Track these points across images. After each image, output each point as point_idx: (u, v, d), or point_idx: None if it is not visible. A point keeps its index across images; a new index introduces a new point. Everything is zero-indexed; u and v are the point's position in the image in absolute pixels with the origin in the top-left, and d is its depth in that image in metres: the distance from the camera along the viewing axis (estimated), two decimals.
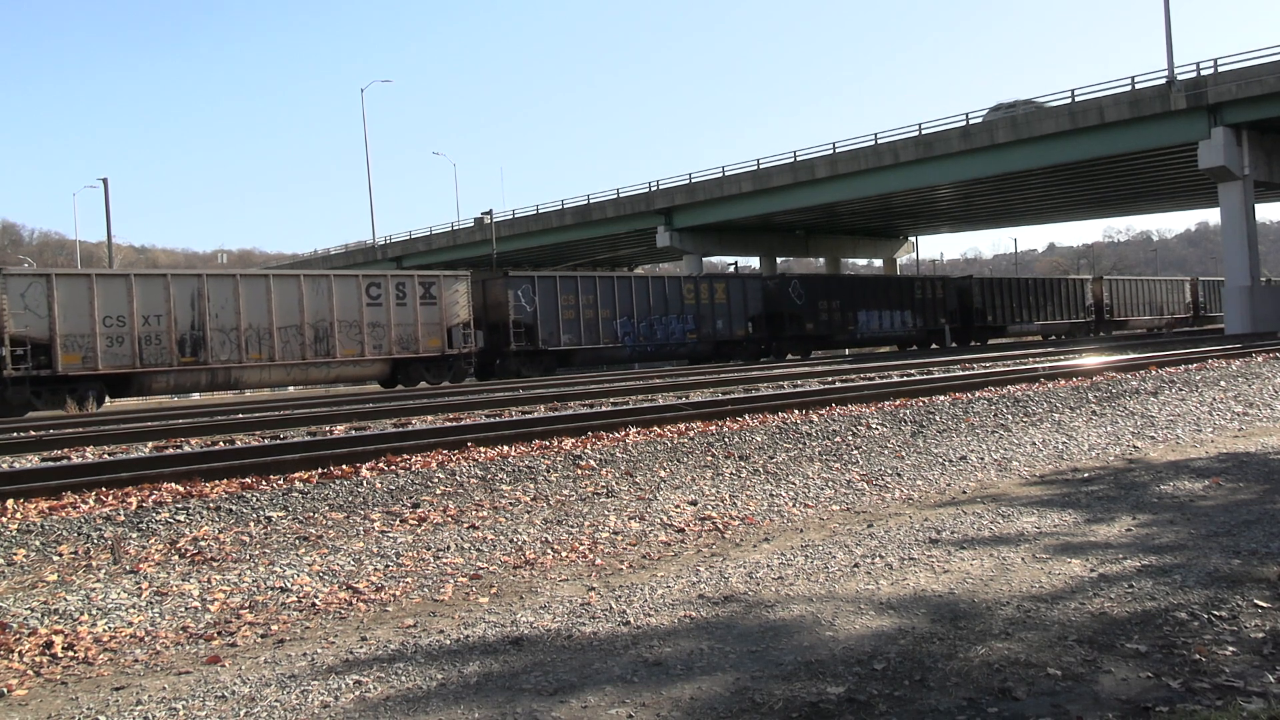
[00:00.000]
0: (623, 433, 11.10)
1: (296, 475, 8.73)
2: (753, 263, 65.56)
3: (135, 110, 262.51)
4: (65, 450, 12.27)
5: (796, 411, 12.70)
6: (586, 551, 7.08)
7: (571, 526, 7.67)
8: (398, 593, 6.16)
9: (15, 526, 6.95)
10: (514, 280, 31.94)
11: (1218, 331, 49.69)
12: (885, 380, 17.63)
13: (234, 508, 7.58)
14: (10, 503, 7.67)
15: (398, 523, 7.61)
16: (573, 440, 10.61)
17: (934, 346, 46.71)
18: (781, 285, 41.12)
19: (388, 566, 6.64)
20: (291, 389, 34.94)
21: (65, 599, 5.88)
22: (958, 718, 3.76)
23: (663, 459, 9.72)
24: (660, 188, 54.97)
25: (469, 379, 31.10)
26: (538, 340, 32.05)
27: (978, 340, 50.19)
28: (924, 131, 44.39)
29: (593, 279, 34.67)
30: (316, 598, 6.03)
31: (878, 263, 74.50)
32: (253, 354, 25.75)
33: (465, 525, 7.61)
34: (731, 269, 63.39)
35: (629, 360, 36.79)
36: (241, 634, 5.42)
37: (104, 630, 5.46)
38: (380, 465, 9.15)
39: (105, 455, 11.38)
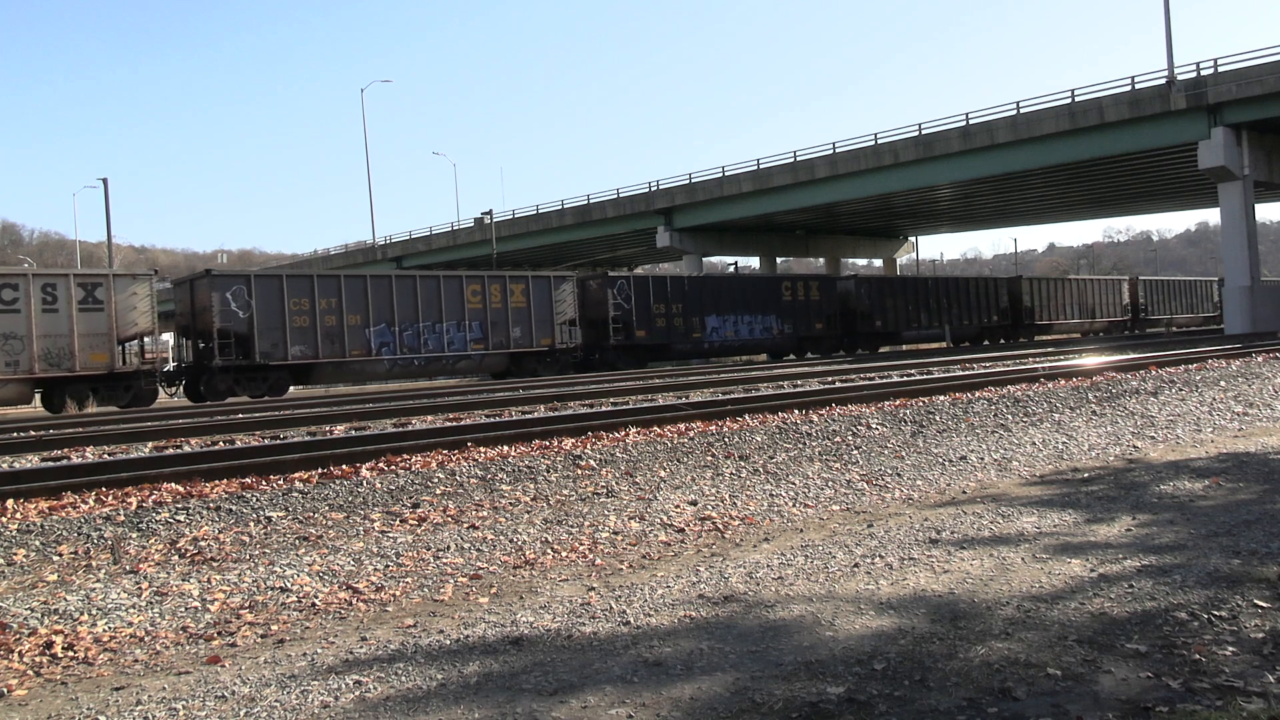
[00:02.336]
0: (622, 433, 11.10)
1: (296, 475, 8.73)
2: (753, 263, 65.55)
3: (135, 110, 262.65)
4: (65, 450, 12.27)
5: (796, 411, 12.70)
6: (586, 551, 7.08)
7: (571, 526, 7.67)
8: (398, 593, 6.16)
9: (15, 526, 6.95)
10: (220, 281, 26.53)
11: (1158, 335, 49.44)
12: (885, 380, 17.63)
13: (234, 508, 7.58)
14: (10, 503, 7.67)
15: (398, 523, 7.61)
16: (573, 440, 10.61)
17: (810, 356, 40.97)
18: (604, 286, 35.24)
19: (388, 566, 6.64)
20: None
21: (65, 599, 5.88)
22: (958, 718, 3.76)
23: (663, 459, 9.72)
24: (660, 188, 55.00)
25: (173, 399, 27.19)
26: (254, 352, 26.46)
27: (865, 348, 44.11)
28: (924, 131, 44.41)
29: (336, 279, 28.95)
30: (316, 598, 6.03)
31: (878, 263, 74.56)
32: None
33: (465, 525, 7.61)
34: (731, 269, 63.22)
35: (387, 377, 31.21)
36: (241, 634, 5.42)
37: (104, 630, 5.46)
38: (380, 465, 9.15)
39: (105, 455, 11.38)
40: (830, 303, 42.23)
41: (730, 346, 39.14)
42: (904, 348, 47.21)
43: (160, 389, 26.30)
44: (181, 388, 27.16)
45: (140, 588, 6.10)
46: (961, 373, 19.33)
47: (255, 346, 26.46)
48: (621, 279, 35.87)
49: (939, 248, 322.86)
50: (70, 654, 5.11)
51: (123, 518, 7.21)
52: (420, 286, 29.82)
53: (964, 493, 9.11)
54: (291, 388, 28.65)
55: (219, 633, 5.45)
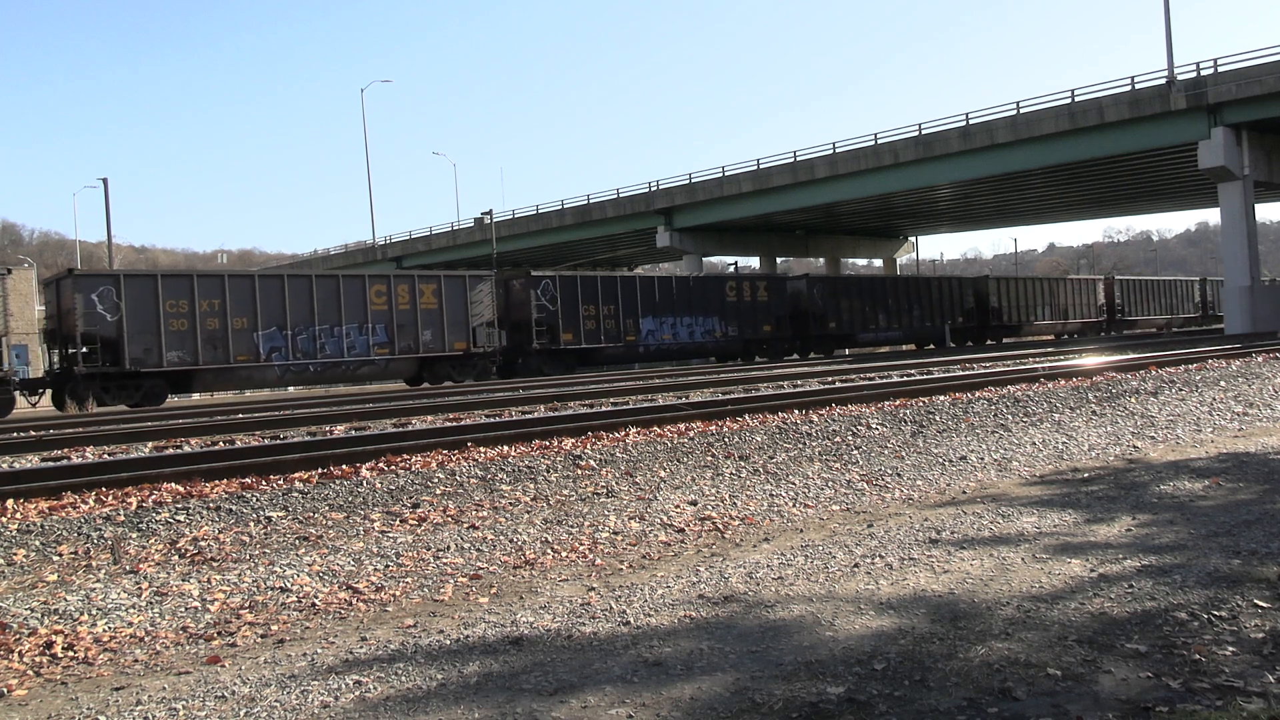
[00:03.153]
0: (623, 433, 11.10)
1: (296, 475, 8.73)
2: (753, 262, 65.54)
3: (135, 110, 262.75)
4: (65, 450, 12.27)
5: (796, 411, 12.70)
6: (586, 551, 7.08)
7: (571, 526, 7.67)
8: (398, 593, 6.16)
9: (15, 526, 6.95)
10: (84, 281, 24.35)
11: (1138, 337, 47.77)
12: (885, 380, 17.63)
13: (234, 508, 7.58)
14: (10, 503, 7.67)
15: (398, 523, 7.61)
16: (573, 440, 10.61)
17: (759, 360, 38.49)
18: (527, 286, 32.52)
19: (388, 566, 6.64)
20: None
21: (65, 599, 5.88)
22: (958, 718, 3.76)
23: (663, 459, 9.72)
24: (660, 188, 55.02)
25: (34, 408, 25.45)
26: (123, 359, 24.25)
27: (820, 352, 42.06)
28: (924, 131, 44.42)
29: (219, 279, 26.56)
30: (316, 598, 6.03)
31: (878, 263, 74.59)
32: None
33: (465, 525, 7.61)
34: (731, 269, 63.12)
35: (279, 384, 29.38)
36: (241, 634, 5.42)
37: (104, 630, 5.46)
38: (380, 465, 9.15)
39: (105, 455, 11.38)
40: (780, 304, 39.83)
41: (668, 351, 36.41)
42: (854, 350, 45.15)
43: (22, 397, 24.72)
44: (48, 396, 25.41)
45: (140, 588, 6.10)
46: (961, 373, 19.33)
47: (125, 352, 24.27)
48: (546, 278, 33.12)
49: (939, 248, 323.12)
50: (70, 654, 5.11)
51: (123, 518, 7.21)
52: (317, 287, 27.65)
53: (964, 493, 9.11)
54: (171, 396, 26.60)
55: (219, 633, 5.45)
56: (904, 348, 46.89)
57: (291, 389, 35.50)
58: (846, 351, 44.72)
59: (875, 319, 44.28)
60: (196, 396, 32.45)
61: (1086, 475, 9.64)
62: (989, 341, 49.52)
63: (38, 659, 5.04)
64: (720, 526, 7.81)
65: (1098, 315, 58.10)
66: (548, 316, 32.57)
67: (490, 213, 58.34)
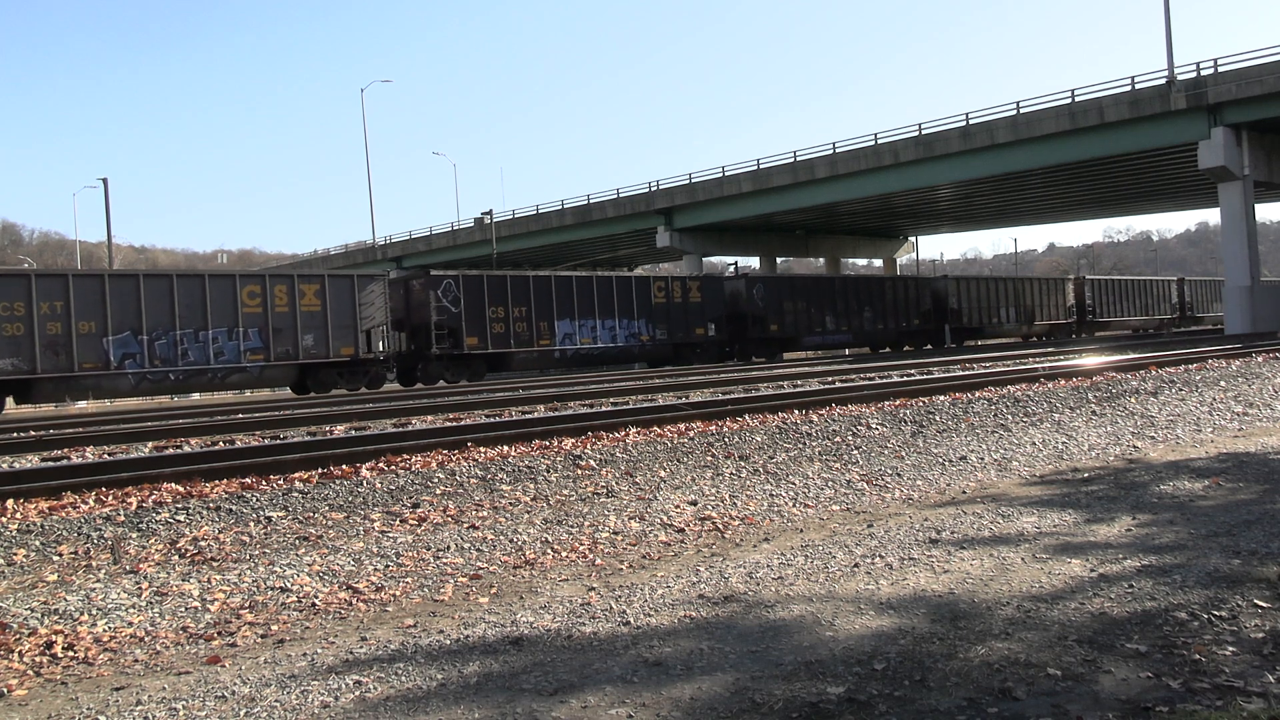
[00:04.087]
0: (623, 433, 11.10)
1: (296, 475, 8.73)
2: (753, 263, 65.51)
3: (135, 110, 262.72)
4: (65, 450, 12.27)
5: (796, 411, 12.70)
6: (586, 551, 7.08)
7: (571, 526, 7.67)
8: (398, 593, 6.16)
9: (15, 526, 6.95)
10: None
11: (1111, 339, 45.66)
12: (885, 380, 17.63)
13: (234, 508, 7.58)
14: (10, 503, 7.67)
15: (398, 523, 7.61)
16: (573, 440, 10.61)
17: (694, 366, 35.40)
18: (427, 286, 29.89)
19: (388, 566, 6.64)
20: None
21: (65, 599, 5.88)
22: (958, 718, 3.76)
23: (663, 459, 9.72)
24: (660, 188, 55.03)
25: None
26: None
27: (760, 356, 39.26)
28: (924, 131, 44.42)
29: (63, 278, 23.89)
30: (316, 598, 6.03)
31: (878, 263, 74.59)
32: None
33: (465, 525, 7.61)
34: (731, 269, 62.99)
35: (134, 393, 26.89)
36: (241, 634, 5.42)
37: (104, 630, 5.46)
38: (380, 465, 9.15)
39: (105, 455, 11.38)
40: (716, 305, 37.13)
41: (587, 356, 33.70)
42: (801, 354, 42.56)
43: None
44: None
45: (140, 588, 6.10)
46: (961, 373, 19.34)
47: None
48: (448, 278, 30.38)
49: (939, 248, 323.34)
50: (70, 654, 5.11)
51: (123, 518, 7.21)
52: (179, 288, 25.11)
53: (964, 493, 9.11)
54: (8, 407, 24.16)
55: (219, 633, 5.45)
56: (845, 352, 44.62)
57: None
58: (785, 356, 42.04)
59: (822, 321, 41.72)
60: (84, 404, 30.19)
61: (1086, 475, 9.64)
62: (949, 345, 46.88)
63: (38, 659, 5.04)
64: (720, 526, 7.81)
65: (1066, 317, 55.42)
66: (449, 319, 29.93)
67: (490, 213, 58.38)
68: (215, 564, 6.63)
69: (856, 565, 6.31)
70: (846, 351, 44.81)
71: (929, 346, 45.92)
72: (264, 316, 26.15)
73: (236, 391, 29.29)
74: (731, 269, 58.37)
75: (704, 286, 37.45)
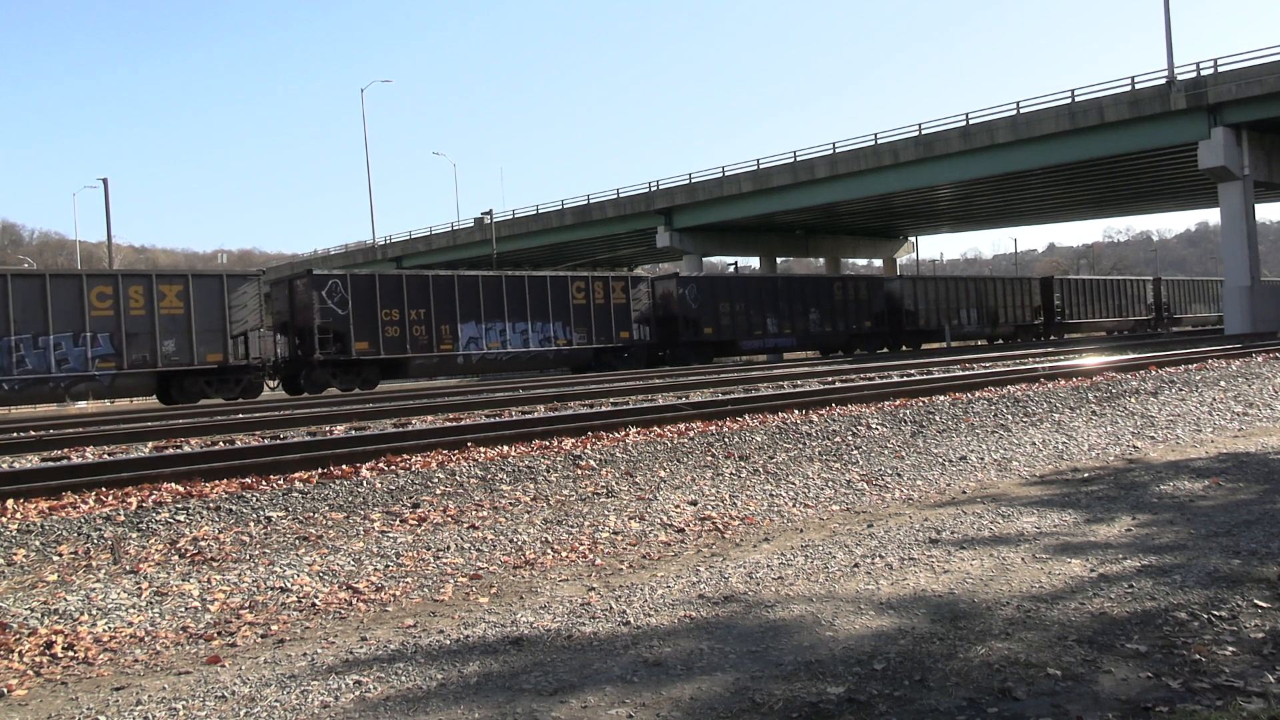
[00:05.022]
0: (623, 433, 11.10)
1: (296, 475, 8.73)
2: (753, 263, 65.52)
3: (135, 110, 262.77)
4: (65, 450, 12.27)
5: (796, 411, 12.70)
6: (586, 551, 7.08)
7: (571, 526, 7.67)
8: (398, 593, 6.16)
9: (15, 526, 6.95)
10: None
11: (1083, 342, 43.59)
12: (885, 380, 17.64)
13: (234, 508, 7.58)
14: (10, 503, 7.67)
15: (398, 523, 7.61)
16: (573, 440, 10.61)
17: (621, 371, 33.11)
18: (311, 287, 27.66)
19: (388, 566, 6.64)
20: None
21: (65, 599, 5.88)
22: (958, 718, 3.76)
23: (663, 459, 9.72)
24: (660, 188, 55.05)
25: None
26: None
27: (695, 360, 36.86)
28: (924, 131, 44.43)
29: None
30: (316, 598, 6.03)
31: (878, 263, 74.58)
32: None
33: (465, 525, 7.61)
34: (731, 269, 62.86)
35: None
36: (241, 634, 5.42)
37: (104, 630, 5.46)
38: (380, 465, 9.15)
39: (105, 455, 11.38)
40: (644, 307, 34.97)
41: (496, 362, 31.39)
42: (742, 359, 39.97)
43: None
44: None
45: (140, 588, 6.10)
46: (961, 373, 19.34)
47: None
48: (334, 279, 28.19)
49: (939, 248, 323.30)
50: (70, 654, 5.11)
51: (123, 518, 7.21)
52: (13, 288, 22.94)
53: (964, 493, 9.11)
54: None
55: (219, 633, 5.45)
56: (786, 356, 42.36)
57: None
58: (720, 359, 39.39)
59: (762, 324, 39.43)
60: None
61: (1086, 475, 9.64)
62: (904, 348, 44.92)
63: (38, 659, 5.04)
64: (720, 526, 7.81)
65: (1033, 318, 53.37)
66: (336, 322, 27.68)
67: (490, 213, 58.42)
68: (215, 564, 6.63)
69: (856, 565, 6.31)
70: (785, 356, 42.70)
71: (884, 350, 43.80)
72: (116, 320, 23.98)
73: (91, 402, 27.13)
74: (731, 269, 58.01)
75: (629, 287, 34.82)
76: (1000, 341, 50.42)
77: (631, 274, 35.97)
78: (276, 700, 4.28)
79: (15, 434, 15.13)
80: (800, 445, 10.62)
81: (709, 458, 9.90)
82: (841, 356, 40.18)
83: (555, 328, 32.48)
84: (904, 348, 45.08)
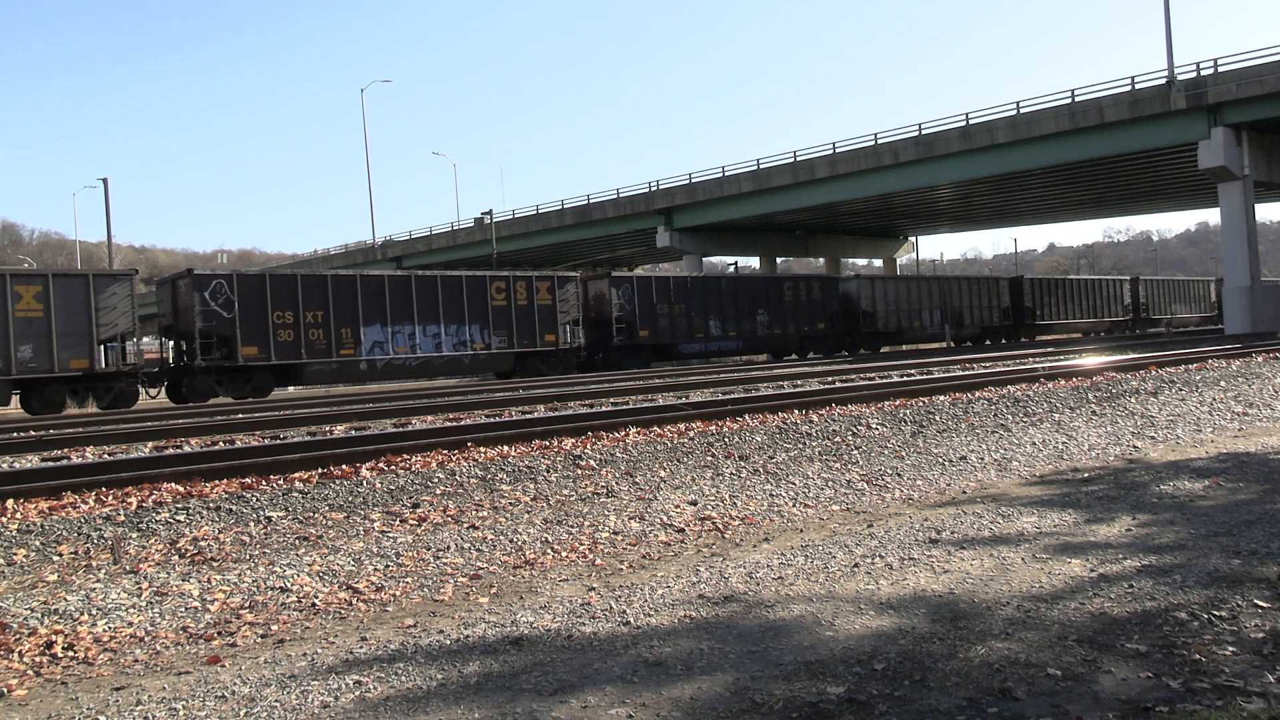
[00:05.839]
0: (622, 433, 11.10)
1: (296, 475, 8.72)
2: (753, 263, 65.51)
3: (135, 110, 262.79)
4: (65, 450, 12.27)
5: (796, 411, 12.70)
6: (586, 551, 7.08)
7: (571, 526, 7.67)
8: (398, 593, 6.16)
9: (15, 526, 6.95)
10: None
11: (1056, 344, 41.71)
12: (885, 380, 17.63)
13: (234, 508, 7.58)
14: (10, 503, 7.67)
15: (398, 523, 7.61)
16: (573, 440, 10.60)
17: (547, 376, 31.20)
18: (194, 288, 25.83)
19: (388, 566, 6.64)
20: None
21: (65, 599, 5.88)
22: (958, 718, 3.76)
23: (663, 459, 9.72)
24: (660, 188, 55.05)
25: None
26: None
27: (631, 365, 35.03)
28: (924, 131, 44.43)
29: None
30: (316, 598, 6.03)
31: (878, 263, 74.58)
32: None
33: (465, 525, 7.61)
34: (731, 269, 62.84)
35: None
36: (241, 634, 5.42)
37: (104, 630, 5.46)
38: (380, 465, 9.15)
39: (105, 455, 11.38)
40: (573, 308, 32.90)
41: (403, 367, 29.36)
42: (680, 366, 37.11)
43: None
44: None
45: (140, 588, 6.10)
46: (961, 373, 19.34)
47: None
48: (219, 279, 26.37)
49: (939, 248, 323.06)
50: (70, 654, 5.11)
51: (123, 518, 7.21)
52: None
53: (964, 493, 9.11)
54: None
55: (219, 633, 5.45)
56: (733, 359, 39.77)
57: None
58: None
59: (704, 326, 37.72)
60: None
61: (1086, 475, 9.64)
62: (863, 351, 43.17)
63: (38, 659, 5.04)
64: (720, 526, 7.81)
65: (1001, 320, 51.63)
66: (220, 325, 25.88)
67: (490, 213, 58.41)
68: (215, 564, 6.62)
69: (856, 565, 6.30)
70: (737, 359, 40.31)
71: (844, 353, 42.07)
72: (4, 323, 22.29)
73: None
74: (731, 268, 57.81)
75: (555, 287, 32.63)
76: (968, 344, 48.65)
77: (558, 274, 33.81)
78: (276, 700, 4.28)
79: (15, 434, 15.13)
80: (800, 445, 10.62)
81: (709, 458, 9.90)
82: (795, 360, 38.55)
83: (472, 330, 30.44)
84: (861, 350, 43.39)
